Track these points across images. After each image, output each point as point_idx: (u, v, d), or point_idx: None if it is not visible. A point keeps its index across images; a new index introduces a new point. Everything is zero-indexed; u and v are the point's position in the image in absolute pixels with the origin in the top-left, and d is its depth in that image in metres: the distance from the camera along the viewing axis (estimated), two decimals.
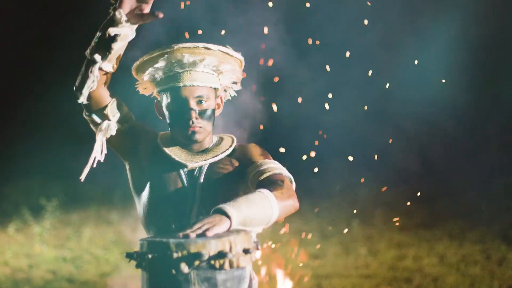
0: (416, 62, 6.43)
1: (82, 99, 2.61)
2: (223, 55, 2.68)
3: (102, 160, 2.70)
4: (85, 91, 2.59)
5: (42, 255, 8.36)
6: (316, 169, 5.65)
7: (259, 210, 2.36)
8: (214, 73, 2.72)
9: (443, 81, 6.20)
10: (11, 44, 13.23)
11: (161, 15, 2.49)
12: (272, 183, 2.52)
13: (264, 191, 2.42)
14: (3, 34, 13.01)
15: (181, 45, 2.61)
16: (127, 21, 2.51)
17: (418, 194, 8.93)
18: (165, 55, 2.63)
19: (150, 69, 2.68)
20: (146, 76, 2.72)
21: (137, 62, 2.70)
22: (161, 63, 2.65)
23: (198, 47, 2.63)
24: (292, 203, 2.50)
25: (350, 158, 5.73)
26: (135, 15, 2.51)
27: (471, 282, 6.79)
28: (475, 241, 8.43)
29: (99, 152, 2.69)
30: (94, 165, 2.70)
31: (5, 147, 13.03)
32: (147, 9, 2.51)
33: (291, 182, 2.63)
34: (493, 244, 8.17)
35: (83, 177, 2.72)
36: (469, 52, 9.45)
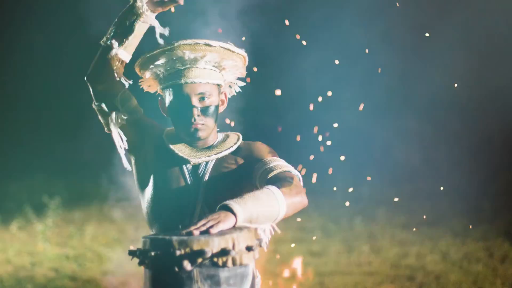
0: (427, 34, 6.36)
1: (125, 82, 2.70)
2: (225, 51, 2.68)
3: (127, 147, 2.75)
4: (110, 80, 2.67)
5: (44, 253, 8.36)
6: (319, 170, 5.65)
7: (266, 207, 2.35)
8: (216, 69, 2.71)
9: (455, 85, 6.17)
10: (11, 42, 13.24)
11: (181, 2, 2.54)
12: (281, 180, 2.51)
13: (272, 188, 2.41)
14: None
15: (181, 42, 2.61)
16: (147, 9, 2.58)
17: (441, 188, 8.89)
18: (166, 52, 2.63)
19: (152, 66, 2.69)
20: (148, 74, 2.73)
21: (139, 60, 2.71)
22: (162, 60, 2.66)
23: (198, 43, 2.62)
24: (300, 200, 2.49)
25: (342, 157, 5.71)
26: (155, 3, 2.57)
27: (474, 279, 6.78)
28: (478, 238, 8.42)
29: (120, 140, 2.73)
30: (124, 152, 2.76)
31: (8, 145, 13.04)
32: None
33: (299, 180, 2.62)
34: (496, 242, 8.16)
35: (126, 166, 2.80)
36: (474, 50, 9.44)
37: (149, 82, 2.81)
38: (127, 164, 2.80)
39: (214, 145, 2.76)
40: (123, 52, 2.64)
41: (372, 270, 7.32)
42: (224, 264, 2.13)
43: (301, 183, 2.61)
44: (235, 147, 2.76)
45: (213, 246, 2.11)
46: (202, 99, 2.66)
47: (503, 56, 9.79)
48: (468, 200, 10.21)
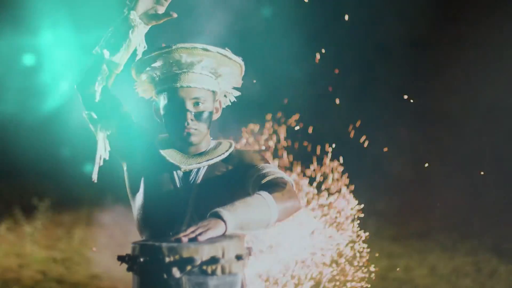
0: None
1: (101, 97, 2.65)
2: (222, 57, 2.68)
3: (107, 158, 2.73)
4: (98, 88, 2.66)
5: (32, 255, 8.33)
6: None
7: (257, 213, 2.35)
8: (212, 75, 2.71)
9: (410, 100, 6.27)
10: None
11: (175, 15, 2.56)
12: (274, 185, 2.51)
13: (263, 194, 2.42)
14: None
15: (179, 45, 2.62)
16: (140, 22, 2.61)
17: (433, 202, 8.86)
18: (163, 55, 2.64)
19: (148, 68, 2.69)
20: (144, 76, 2.73)
21: (136, 62, 2.71)
22: (159, 63, 2.66)
23: (196, 48, 2.62)
24: (292, 204, 2.49)
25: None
26: (149, 16, 2.58)
27: None
28: (466, 253, 8.43)
29: (103, 149, 2.71)
30: (101, 163, 2.72)
31: None
32: (161, 10, 2.59)
33: (292, 186, 2.62)
34: (484, 257, 8.17)
35: (95, 177, 2.75)
36: (466, 63, 9.48)
37: (144, 86, 2.80)
38: (96, 176, 2.77)
39: (206, 151, 2.75)
40: (114, 63, 2.64)
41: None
42: (213, 272, 2.12)
43: (294, 189, 2.61)
44: (226, 154, 2.75)
45: (202, 253, 2.10)
46: (196, 104, 2.65)
47: (496, 71, 9.83)
48: (457, 215, 10.23)
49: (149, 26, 2.67)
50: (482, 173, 9.84)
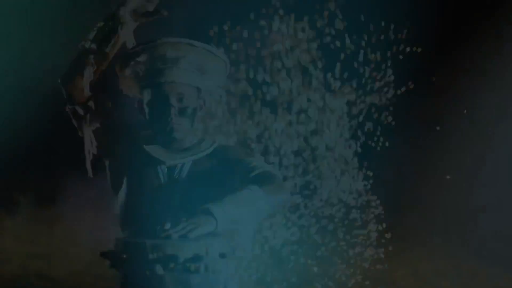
0: None
1: (86, 92, 2.63)
2: (207, 53, 2.67)
3: (95, 153, 2.71)
4: (85, 83, 2.63)
5: (12, 250, 8.28)
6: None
7: (247, 208, 2.36)
8: (197, 72, 2.70)
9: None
10: None
11: (165, 13, 2.54)
12: (263, 179, 2.51)
13: (252, 187, 2.41)
14: None
15: (164, 39, 2.60)
16: (130, 19, 2.60)
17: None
18: (148, 49, 2.62)
19: (133, 63, 2.66)
20: (128, 71, 2.70)
21: (121, 56, 2.69)
22: (143, 57, 2.63)
23: (181, 42, 2.61)
24: (282, 197, 2.51)
25: None
26: (138, 13, 2.57)
27: None
28: (448, 255, 8.46)
29: (90, 144, 2.69)
30: (91, 158, 2.70)
31: None
32: (151, 7, 2.57)
33: (279, 179, 2.62)
34: (466, 259, 8.21)
35: (90, 173, 2.74)
36: (449, 62, 9.52)
37: (128, 82, 2.78)
38: (90, 172, 2.76)
39: (189, 147, 2.73)
40: (102, 58, 2.63)
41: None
42: (197, 270, 2.12)
43: (282, 181, 2.62)
44: (211, 149, 2.74)
45: (186, 251, 2.10)
46: (180, 100, 2.64)
47: (482, 69, 9.88)
48: (439, 216, 10.27)
49: (138, 23, 2.65)
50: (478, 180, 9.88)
